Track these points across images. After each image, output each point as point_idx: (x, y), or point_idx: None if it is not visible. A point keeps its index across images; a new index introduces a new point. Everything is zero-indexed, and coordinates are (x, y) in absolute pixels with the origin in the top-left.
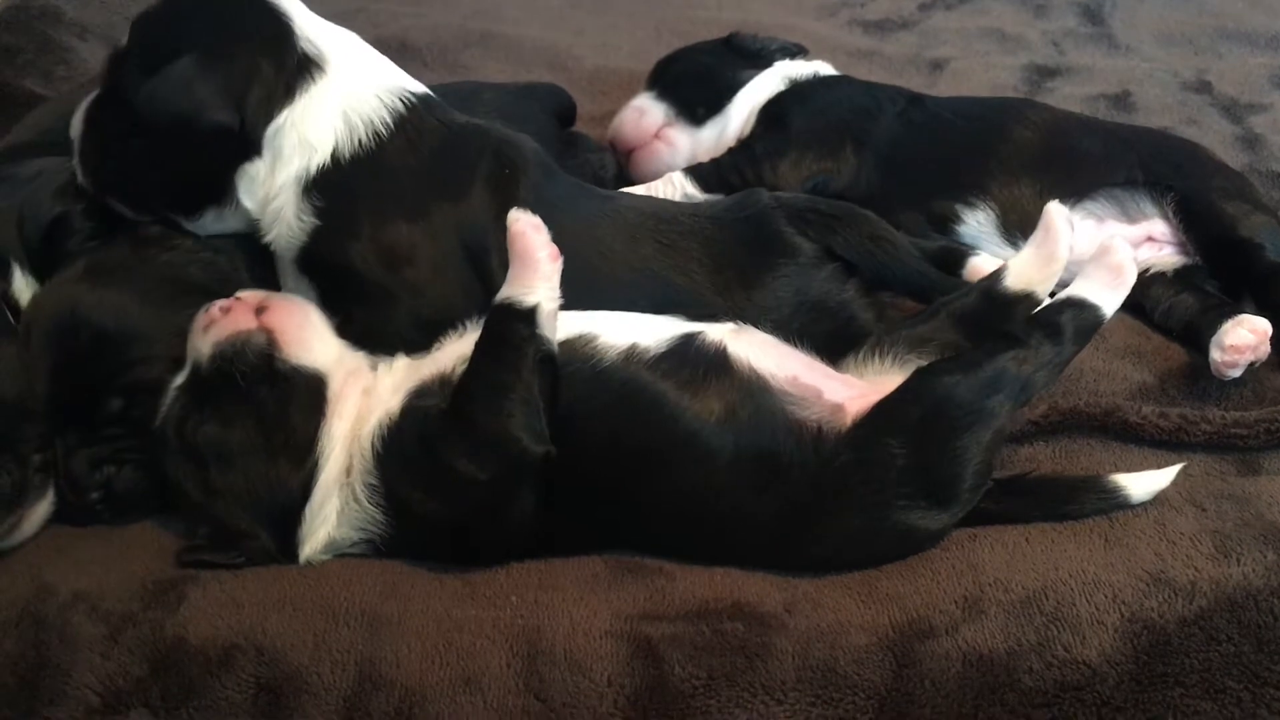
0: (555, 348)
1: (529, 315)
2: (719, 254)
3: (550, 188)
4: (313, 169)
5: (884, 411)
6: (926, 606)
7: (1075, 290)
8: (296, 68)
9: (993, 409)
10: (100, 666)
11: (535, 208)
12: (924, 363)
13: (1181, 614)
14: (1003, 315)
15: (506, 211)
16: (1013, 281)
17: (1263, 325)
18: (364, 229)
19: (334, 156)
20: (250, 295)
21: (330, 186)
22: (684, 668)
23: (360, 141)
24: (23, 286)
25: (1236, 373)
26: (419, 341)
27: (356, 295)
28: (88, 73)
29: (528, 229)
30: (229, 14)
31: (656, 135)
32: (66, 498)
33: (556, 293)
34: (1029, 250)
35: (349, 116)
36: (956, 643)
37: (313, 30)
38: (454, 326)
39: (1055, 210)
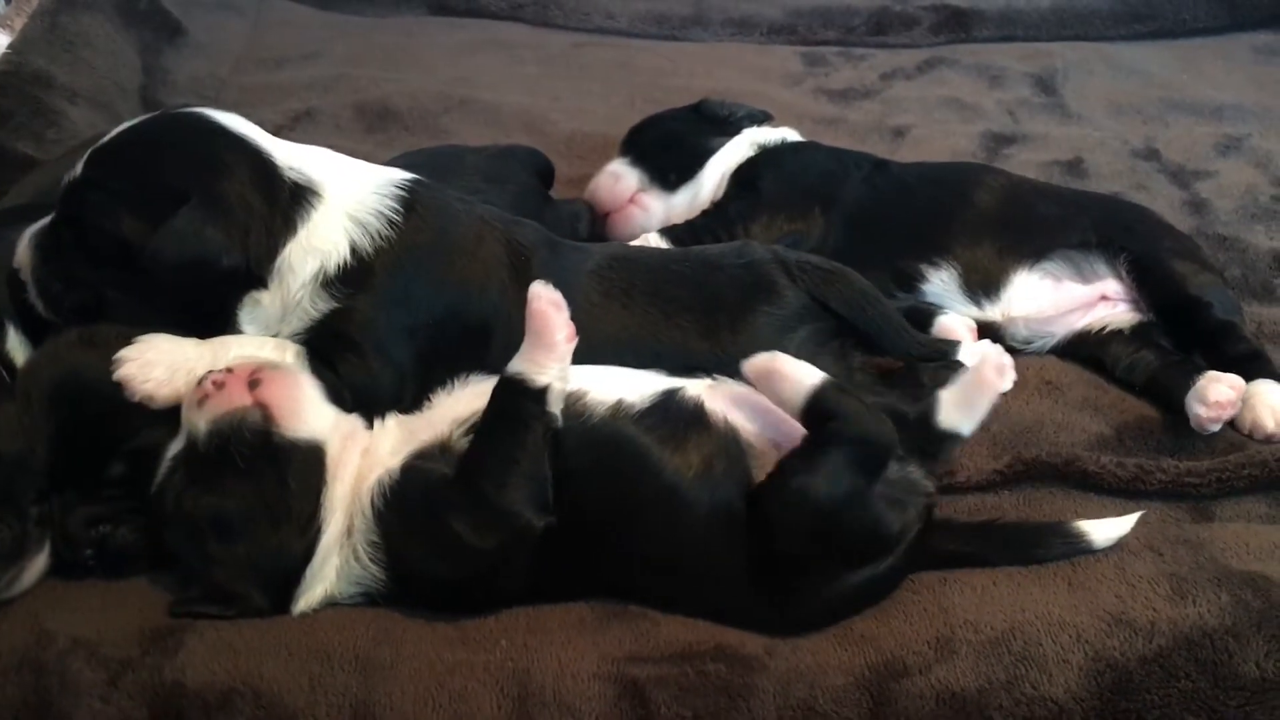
0: (560, 422)
1: (540, 395)
2: (710, 298)
3: (556, 261)
4: (331, 267)
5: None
6: (900, 647)
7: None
8: (290, 199)
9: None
10: (101, 711)
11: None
12: None
13: (1142, 653)
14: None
15: (522, 295)
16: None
17: (1240, 381)
18: (381, 308)
19: (353, 252)
20: (242, 367)
21: (352, 277)
22: (670, 708)
23: (377, 233)
24: (16, 345)
25: (1217, 426)
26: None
27: (343, 351)
28: (78, 136)
29: (548, 307)
30: (208, 151)
31: (631, 200)
32: (61, 553)
33: (568, 372)
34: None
35: (357, 217)
36: (930, 681)
37: (290, 158)
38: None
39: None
